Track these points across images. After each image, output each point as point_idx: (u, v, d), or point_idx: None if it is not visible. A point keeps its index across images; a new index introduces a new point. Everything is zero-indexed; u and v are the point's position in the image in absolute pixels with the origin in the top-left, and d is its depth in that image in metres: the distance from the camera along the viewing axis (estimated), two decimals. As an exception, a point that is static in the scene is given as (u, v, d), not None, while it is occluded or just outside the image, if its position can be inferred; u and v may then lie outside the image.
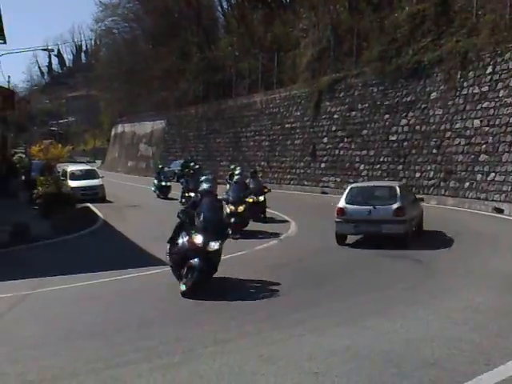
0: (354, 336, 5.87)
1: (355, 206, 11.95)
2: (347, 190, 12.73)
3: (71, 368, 5.30)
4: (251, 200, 15.96)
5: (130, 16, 59.08)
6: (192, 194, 15.62)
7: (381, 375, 4.75)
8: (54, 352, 5.87)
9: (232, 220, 13.07)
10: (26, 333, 6.74)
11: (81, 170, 28.14)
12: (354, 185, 14.11)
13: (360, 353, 5.30)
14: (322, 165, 27.75)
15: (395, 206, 11.64)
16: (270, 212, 17.44)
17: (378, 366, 4.94)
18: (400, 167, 22.83)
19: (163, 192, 26.04)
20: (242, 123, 36.49)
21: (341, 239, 12.00)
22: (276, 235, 14.07)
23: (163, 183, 26.35)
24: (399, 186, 12.66)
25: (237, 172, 17.19)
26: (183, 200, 19.62)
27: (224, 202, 14.05)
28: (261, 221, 16.33)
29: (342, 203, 12.11)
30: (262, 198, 16.73)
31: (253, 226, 15.07)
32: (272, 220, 16.92)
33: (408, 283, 8.36)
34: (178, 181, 39.17)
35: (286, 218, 17.21)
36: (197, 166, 24.00)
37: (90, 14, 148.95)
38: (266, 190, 17.25)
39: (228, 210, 14.07)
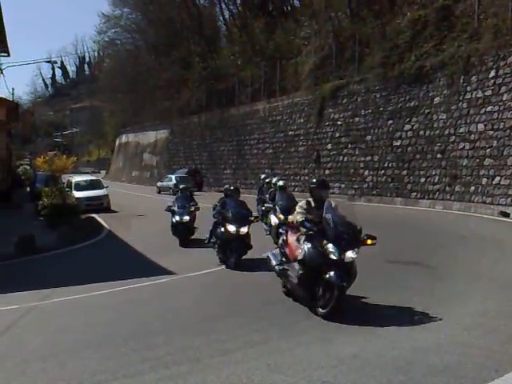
0: (362, 343, 5.82)
1: None
2: None
3: (78, 380, 5.27)
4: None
5: (133, 27, 59.45)
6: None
7: (390, 383, 4.70)
8: (61, 363, 5.84)
9: (280, 230, 10.52)
10: (32, 345, 6.73)
11: (85, 181, 28.23)
12: None
13: (368, 360, 5.25)
14: (327, 171, 27.72)
15: None
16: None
17: (386, 374, 4.89)
18: (405, 172, 22.78)
19: (179, 233, 14.79)
20: (245, 131, 36.55)
21: None
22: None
23: (177, 217, 14.63)
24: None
25: (281, 183, 14.48)
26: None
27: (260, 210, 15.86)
28: None
29: None
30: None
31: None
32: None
33: (415, 289, 8.30)
34: (173, 194, 38.37)
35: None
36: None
37: (92, 25, 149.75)
38: None
39: (276, 220, 12.93)
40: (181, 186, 16.79)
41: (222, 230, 11.06)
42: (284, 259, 7.87)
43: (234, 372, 5.19)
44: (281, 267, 7.81)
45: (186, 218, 14.61)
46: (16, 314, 8.12)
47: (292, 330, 6.54)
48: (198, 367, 5.45)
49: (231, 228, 10.89)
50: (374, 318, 6.86)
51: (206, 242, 12.00)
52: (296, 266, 7.23)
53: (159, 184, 39.09)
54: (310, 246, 6.99)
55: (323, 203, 7.29)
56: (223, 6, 48.68)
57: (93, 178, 32.09)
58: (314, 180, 8.18)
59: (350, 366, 5.17)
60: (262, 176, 17.73)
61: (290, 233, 7.87)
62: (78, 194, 24.97)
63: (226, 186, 13.30)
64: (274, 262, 8.10)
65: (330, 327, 6.59)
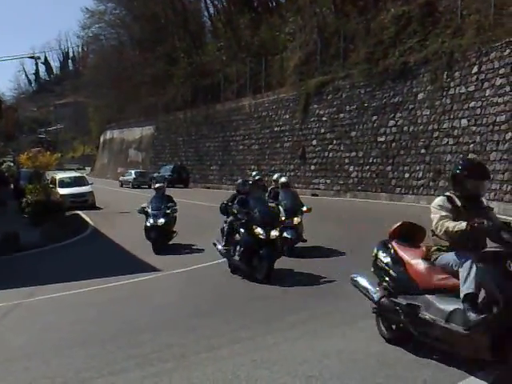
0: (347, 338, 5.86)
1: None
2: None
3: (62, 378, 5.24)
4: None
5: (117, 22, 59.05)
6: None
7: (375, 377, 4.73)
8: (45, 362, 5.80)
9: (284, 234, 10.55)
10: (16, 343, 6.67)
11: (70, 178, 28.03)
12: None
13: (353, 355, 5.28)
14: (312, 167, 27.80)
15: None
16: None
17: (371, 368, 4.92)
18: (389, 168, 22.93)
19: (152, 238, 13.24)
20: (230, 127, 36.51)
21: None
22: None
23: (151, 220, 13.24)
24: None
25: (283, 179, 12.56)
26: None
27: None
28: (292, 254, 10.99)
29: None
30: (297, 221, 11.42)
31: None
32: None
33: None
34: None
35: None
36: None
37: (76, 20, 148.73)
38: (305, 210, 11.76)
39: None
40: (156, 185, 14.94)
41: (245, 234, 9.24)
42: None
43: (220, 368, 5.19)
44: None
45: (161, 220, 13.08)
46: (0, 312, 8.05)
47: (278, 326, 6.56)
48: (183, 364, 5.45)
49: (260, 231, 9.08)
50: (360, 313, 6.90)
51: (220, 248, 10.06)
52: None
53: (121, 178, 43.81)
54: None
55: (477, 200, 5.10)
56: (208, 1, 48.65)
57: (77, 174, 31.86)
58: (462, 163, 5.68)
59: (336, 360, 5.20)
60: (275, 176, 13.30)
61: (401, 247, 5.39)
62: (62, 191, 24.77)
63: (240, 180, 11.44)
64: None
65: (315, 322, 6.63)
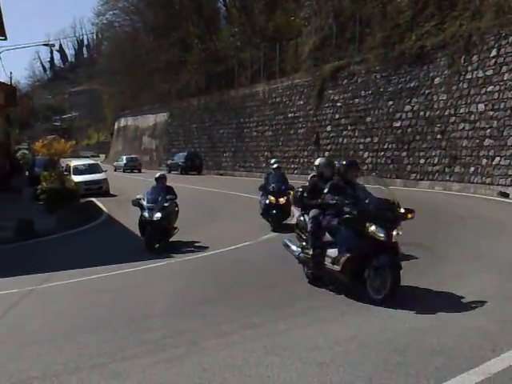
0: (359, 325, 5.81)
1: None
2: None
3: (75, 363, 5.26)
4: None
5: (131, 9, 58.91)
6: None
7: (386, 364, 4.68)
8: (58, 347, 5.83)
9: (273, 212, 12.69)
10: (29, 329, 6.73)
11: (84, 165, 28.15)
12: None
13: (365, 342, 5.24)
14: (326, 153, 27.58)
15: None
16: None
17: (383, 355, 4.87)
18: (404, 154, 22.69)
19: (146, 235, 11.86)
20: (244, 114, 36.37)
21: None
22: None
23: (146, 214, 11.85)
24: None
25: (273, 162, 14.73)
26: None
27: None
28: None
29: None
30: (282, 200, 12.93)
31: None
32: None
33: (414, 270, 8.27)
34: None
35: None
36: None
37: (91, 8, 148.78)
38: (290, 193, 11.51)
39: (267, 201, 13.13)
40: (157, 175, 12.86)
41: (351, 232, 6.79)
42: (305, 244, 7.58)
43: (231, 354, 5.18)
44: (302, 254, 7.57)
45: (158, 215, 11.46)
46: (14, 298, 8.12)
47: (289, 312, 6.52)
48: (194, 350, 5.45)
49: (378, 230, 6.54)
50: (372, 300, 6.84)
51: (296, 251, 7.88)
52: (333, 252, 6.85)
53: (115, 163, 47.74)
54: (352, 233, 6.60)
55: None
56: (222, -14, 48.17)
57: (92, 162, 32.02)
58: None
59: (347, 347, 5.15)
60: (317, 161, 9.03)
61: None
62: (76, 178, 24.91)
63: (321, 160, 8.84)
64: (293, 248, 7.86)
65: (327, 309, 6.58)
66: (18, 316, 7.38)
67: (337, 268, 6.85)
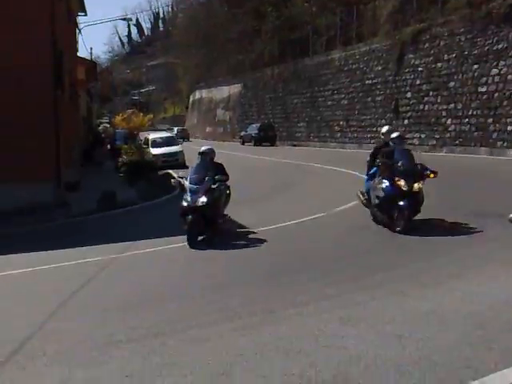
0: (438, 298, 5.64)
1: None
2: None
3: (156, 329, 5.46)
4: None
5: (205, -21, 58.96)
6: None
7: (467, 337, 4.53)
8: (140, 313, 6.07)
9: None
10: (112, 295, 7.04)
11: (162, 138, 28.82)
12: None
13: (444, 316, 5.08)
14: (406, 121, 26.73)
15: None
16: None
17: (463, 329, 4.72)
18: (490, 120, 21.50)
19: (188, 225, 9.41)
20: (319, 82, 35.77)
21: None
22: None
23: (188, 199, 9.51)
24: None
25: (395, 135, 10.10)
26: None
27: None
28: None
29: None
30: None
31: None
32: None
33: (502, 242, 7.90)
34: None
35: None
36: None
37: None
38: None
39: (389, 187, 9.31)
40: (202, 148, 10.28)
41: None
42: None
43: (307, 324, 5.20)
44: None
45: (203, 199, 9.29)
46: (98, 266, 8.51)
47: (367, 284, 6.44)
48: (270, 318, 5.50)
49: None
50: (454, 272, 6.61)
51: (362, 198, 10.50)
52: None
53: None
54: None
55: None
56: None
57: (168, 134, 32.73)
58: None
59: (425, 320, 5.02)
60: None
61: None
62: (154, 151, 25.61)
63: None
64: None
65: (405, 281, 6.43)
66: (102, 283, 7.72)
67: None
